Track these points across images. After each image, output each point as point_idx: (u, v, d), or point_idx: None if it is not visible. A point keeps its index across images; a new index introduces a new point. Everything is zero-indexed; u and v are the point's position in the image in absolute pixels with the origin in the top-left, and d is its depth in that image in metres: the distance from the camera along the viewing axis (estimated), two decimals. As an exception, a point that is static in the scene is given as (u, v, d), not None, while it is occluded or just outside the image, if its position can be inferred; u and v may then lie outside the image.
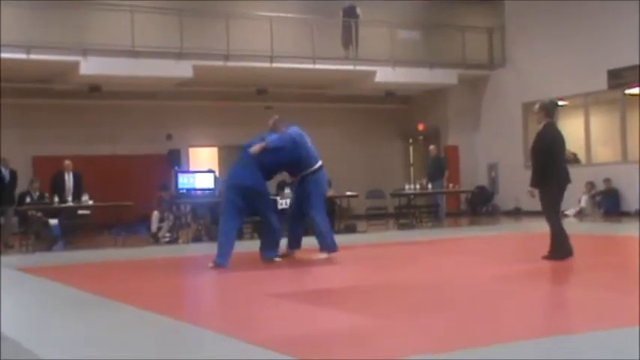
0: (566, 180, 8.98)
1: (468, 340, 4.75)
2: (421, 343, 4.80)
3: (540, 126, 9.11)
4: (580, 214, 19.07)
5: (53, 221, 15.42)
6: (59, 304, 7.22)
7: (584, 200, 19.35)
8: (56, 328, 5.77)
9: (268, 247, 10.21)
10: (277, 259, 10.10)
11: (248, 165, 10.06)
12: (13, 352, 4.80)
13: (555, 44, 20.83)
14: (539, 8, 21.34)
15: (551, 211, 9.02)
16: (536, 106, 9.30)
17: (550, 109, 9.13)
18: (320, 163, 10.49)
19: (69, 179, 16.06)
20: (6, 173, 15.57)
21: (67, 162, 16.30)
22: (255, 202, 10.09)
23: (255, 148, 10.03)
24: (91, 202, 15.60)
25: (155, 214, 15.93)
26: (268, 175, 10.40)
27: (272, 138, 10.27)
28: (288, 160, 10.29)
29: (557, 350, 4.45)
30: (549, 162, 8.83)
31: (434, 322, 5.53)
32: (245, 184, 9.95)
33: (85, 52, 17.81)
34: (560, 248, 8.85)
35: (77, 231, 16.53)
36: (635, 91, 18.64)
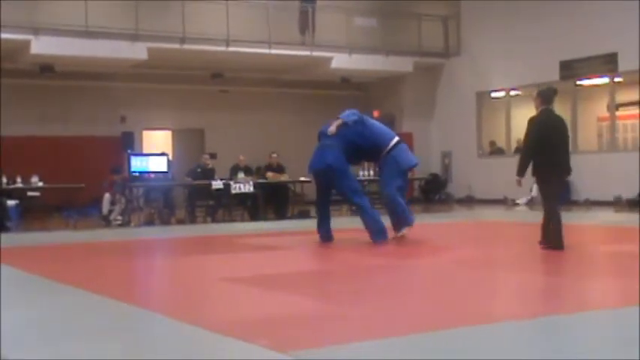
0: (565, 170, 8.64)
1: (418, 324, 4.80)
2: (372, 327, 4.83)
3: (536, 113, 8.72)
4: (531, 203, 19.31)
5: (10, 202, 15.20)
6: (6, 287, 7.13)
7: (534, 189, 19.57)
8: (4, 312, 5.70)
9: (371, 232, 9.93)
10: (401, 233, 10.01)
11: (327, 147, 10.00)
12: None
13: (510, 34, 21.04)
14: (495, -2, 21.54)
15: (551, 201, 8.61)
16: (535, 93, 9.01)
17: (548, 96, 8.76)
18: (395, 139, 10.29)
19: None
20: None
21: None
22: (335, 183, 10.03)
23: (332, 128, 9.87)
24: (41, 184, 15.42)
25: (106, 196, 15.78)
26: (351, 158, 10.27)
27: (344, 113, 10.21)
28: (364, 142, 10.14)
29: (500, 335, 4.52)
30: (546, 150, 8.42)
31: (385, 306, 5.57)
32: (319, 167, 9.99)
33: (36, 31, 17.53)
34: (554, 238, 8.49)
35: (27, 213, 16.32)
36: (586, 82, 18.92)
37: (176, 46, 19.12)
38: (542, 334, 4.57)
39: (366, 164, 17.18)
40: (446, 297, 6.02)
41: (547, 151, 8.41)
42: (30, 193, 16.12)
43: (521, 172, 8.61)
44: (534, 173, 8.60)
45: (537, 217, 16.03)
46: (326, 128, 10.19)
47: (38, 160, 18.18)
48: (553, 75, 19.65)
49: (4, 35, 17.10)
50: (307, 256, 9.45)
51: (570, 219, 14.33)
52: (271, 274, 7.58)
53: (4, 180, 15.04)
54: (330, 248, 9.72)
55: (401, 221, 10.09)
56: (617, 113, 19.60)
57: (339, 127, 9.91)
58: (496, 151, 21.99)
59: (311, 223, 10.66)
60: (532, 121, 8.59)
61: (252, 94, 22.93)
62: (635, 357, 3.81)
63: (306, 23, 20.79)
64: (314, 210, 17.77)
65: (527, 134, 8.58)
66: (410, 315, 5.25)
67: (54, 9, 18.14)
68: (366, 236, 10.03)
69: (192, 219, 15.98)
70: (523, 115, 21.71)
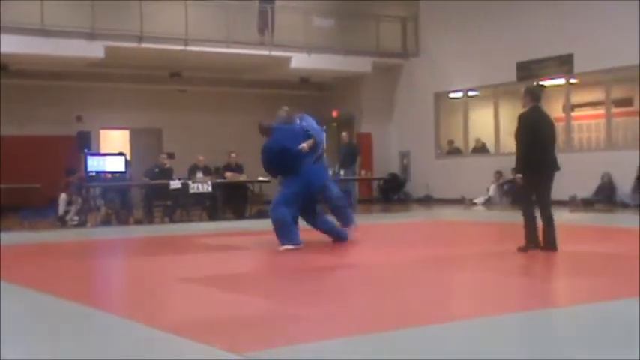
0: (553, 167, 8.43)
1: (370, 324, 4.82)
2: (328, 327, 4.84)
3: (525, 110, 8.51)
4: (488, 203, 19.50)
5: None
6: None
7: (492, 189, 19.80)
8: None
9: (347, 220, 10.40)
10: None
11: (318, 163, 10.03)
12: None
13: (468, 36, 21.21)
14: (453, -1, 21.70)
15: (543, 201, 8.43)
16: (523, 90, 8.79)
17: (536, 93, 8.63)
18: None
19: None
20: None
21: None
22: (326, 194, 10.23)
23: (305, 146, 9.66)
24: (-4, 184, 15.21)
25: (63, 196, 15.60)
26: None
27: (317, 132, 10.10)
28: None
29: (455, 334, 4.56)
30: (534, 147, 8.28)
31: (339, 306, 5.59)
32: (321, 184, 10.02)
33: (-9, 29, 17.27)
34: (549, 240, 8.35)
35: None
36: (545, 83, 19.10)
37: (134, 44, 18.95)
38: (497, 332, 4.61)
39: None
40: (401, 296, 6.05)
41: (538, 149, 8.32)
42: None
43: (520, 169, 8.41)
44: (522, 171, 8.41)
45: (494, 216, 16.25)
46: (278, 124, 10.14)
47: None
48: (510, 76, 19.86)
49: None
50: (265, 256, 9.44)
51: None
52: (229, 275, 7.56)
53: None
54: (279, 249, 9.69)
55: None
56: (573, 114, 19.85)
57: (310, 147, 9.80)
58: (454, 150, 22.16)
59: (269, 223, 10.63)
60: (523, 118, 8.44)
61: (211, 93, 22.84)
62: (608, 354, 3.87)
63: (265, 23, 20.75)
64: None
65: (520, 131, 8.39)
66: (365, 314, 5.27)
67: (10, 7, 17.88)
68: (323, 236, 10.06)
69: (149, 219, 15.88)
70: (480, 116, 22.03)
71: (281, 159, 9.71)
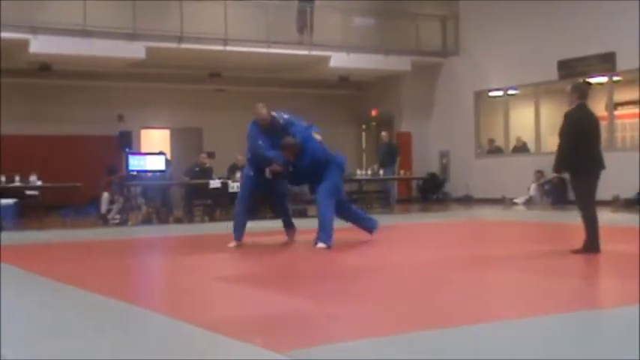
0: (599, 166, 8.19)
1: (412, 324, 4.80)
2: (366, 327, 4.83)
3: (572, 107, 8.29)
4: (529, 203, 19.32)
5: (7, 201, 15.20)
6: (5, 284, 7.13)
7: (533, 189, 19.62)
8: (3, 309, 5.71)
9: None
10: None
11: None
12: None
13: (508, 34, 21.04)
14: (493, -2, 21.54)
15: (584, 200, 8.25)
16: (569, 87, 8.53)
17: (583, 90, 8.44)
18: None
19: None
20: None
21: None
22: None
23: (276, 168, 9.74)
24: (39, 183, 15.43)
25: (105, 195, 15.80)
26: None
27: (301, 130, 9.96)
28: None
29: (501, 335, 4.52)
30: (581, 146, 8.07)
31: (380, 306, 5.57)
32: None
33: (34, 30, 17.52)
34: (591, 242, 8.13)
35: (25, 212, 16.33)
36: (593, 80, 18.86)
37: (174, 45, 19.11)
38: (539, 333, 4.56)
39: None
40: (440, 296, 6.02)
41: (586, 147, 8.11)
42: (28, 192, 16.12)
43: (560, 167, 8.30)
44: (564, 170, 8.32)
45: (535, 216, 16.10)
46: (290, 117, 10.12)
47: (37, 159, 18.17)
48: (551, 74, 19.66)
49: (4, 34, 17.11)
50: (302, 255, 9.44)
51: (569, 218, 14.37)
52: (266, 273, 7.57)
53: (3, 179, 15.03)
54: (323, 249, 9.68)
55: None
56: (616, 112, 19.60)
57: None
58: (494, 149, 22.00)
59: (309, 222, 10.63)
60: (569, 116, 8.24)
61: (250, 93, 22.88)
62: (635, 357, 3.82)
63: (304, 22, 20.78)
64: (310, 209, 17.80)
65: (565, 129, 8.18)
66: (403, 314, 5.25)
67: (53, 8, 18.12)
68: (359, 236, 10.04)
69: (189, 218, 15.98)
70: (521, 115, 21.84)
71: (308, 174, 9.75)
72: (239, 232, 9.84)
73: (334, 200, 9.68)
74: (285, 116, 10.16)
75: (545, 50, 19.78)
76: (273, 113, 10.12)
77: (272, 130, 9.81)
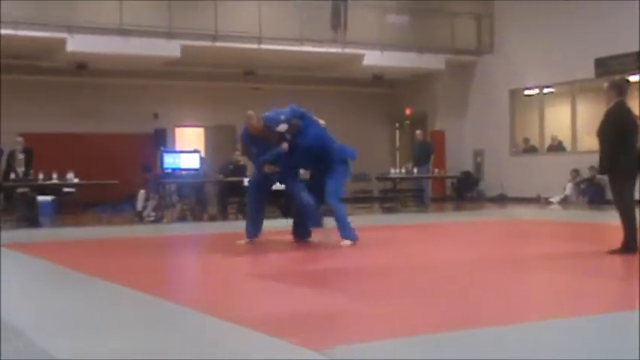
0: (637, 165, 7.96)
1: (446, 323, 4.79)
2: (399, 325, 4.83)
3: (610, 105, 8.09)
4: (565, 202, 19.16)
5: (44, 198, 15.41)
6: (39, 279, 7.23)
7: (568, 188, 19.45)
8: (39, 305, 5.79)
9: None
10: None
11: None
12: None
13: (543, 31, 20.87)
14: (529, -5, 21.37)
15: (623, 200, 8.05)
16: (606, 84, 8.34)
17: (622, 87, 8.21)
18: None
19: (19, 156, 15.87)
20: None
21: (20, 139, 16.13)
22: None
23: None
24: (76, 180, 15.60)
25: (141, 193, 15.92)
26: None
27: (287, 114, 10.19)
28: None
29: (530, 336, 4.50)
30: (619, 145, 7.89)
31: (413, 305, 5.57)
32: None
33: (71, 29, 17.71)
34: (630, 242, 7.97)
35: (62, 208, 16.53)
36: (634, 78, 18.62)
37: (209, 43, 19.22)
38: (575, 334, 4.54)
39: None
40: (473, 296, 6.00)
41: (626, 146, 7.92)
42: (65, 189, 16.32)
43: (606, 168, 8.05)
44: (610, 169, 8.06)
45: (571, 216, 15.96)
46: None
47: (74, 156, 18.35)
48: (588, 72, 19.46)
49: (42, 34, 17.34)
50: (336, 253, 9.45)
51: (605, 218, 14.26)
52: (300, 271, 7.60)
53: (41, 176, 15.23)
54: (356, 246, 9.69)
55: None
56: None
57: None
58: (529, 148, 21.84)
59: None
60: (610, 114, 8.06)
61: (284, 91, 22.94)
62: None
63: (338, 20, 20.79)
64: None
65: (607, 128, 8.01)
66: (437, 314, 5.24)
67: (89, 8, 18.31)
68: (393, 234, 10.03)
69: (224, 215, 16.06)
70: (557, 113, 21.65)
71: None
72: (248, 231, 9.97)
73: (340, 198, 9.95)
74: (295, 109, 10.22)
75: (582, 48, 19.58)
76: (266, 114, 10.14)
77: (266, 136, 9.84)
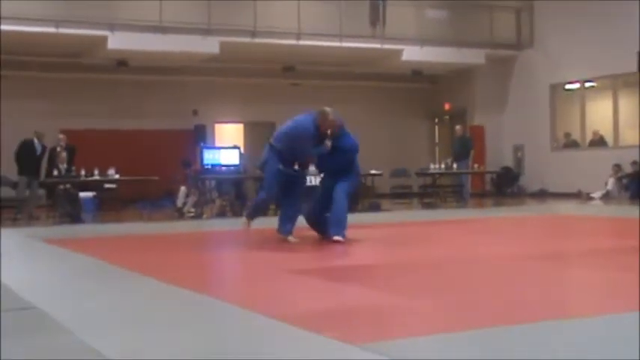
0: None
1: (486, 320, 4.76)
2: (442, 321, 4.81)
3: None
4: (606, 197, 18.94)
5: (86, 194, 15.62)
6: (83, 275, 7.31)
7: (610, 183, 19.21)
8: (80, 299, 5.85)
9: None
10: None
11: None
12: (41, 322, 4.88)
13: (584, 25, 20.61)
14: (570, -12, 21.13)
15: None
16: None
17: None
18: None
19: (61, 152, 16.12)
20: (39, 146, 15.80)
21: (61, 136, 16.40)
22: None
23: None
24: (117, 176, 15.77)
25: (182, 189, 16.04)
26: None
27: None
28: None
29: (568, 333, 4.45)
30: None
31: (455, 300, 5.54)
32: None
33: (112, 27, 17.90)
34: None
35: (104, 205, 16.72)
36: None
37: (247, 40, 19.30)
38: (617, 331, 4.48)
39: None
40: (514, 292, 5.95)
41: None
42: (107, 186, 16.50)
43: None
44: None
45: (613, 211, 15.76)
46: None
47: (114, 153, 18.56)
48: (631, 66, 19.18)
49: (83, 31, 17.55)
50: (374, 248, 9.45)
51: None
52: (338, 266, 7.59)
53: (83, 172, 15.43)
54: (393, 242, 9.68)
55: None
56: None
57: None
58: (571, 143, 21.62)
59: (382, 216, 10.63)
60: None
61: (323, 87, 22.98)
62: None
63: (377, 16, 20.75)
64: (383, 203, 17.78)
65: None
66: (476, 309, 5.21)
67: (129, 5, 18.49)
68: (431, 230, 9.98)
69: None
70: (598, 108, 21.39)
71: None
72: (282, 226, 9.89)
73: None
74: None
75: (624, 41, 19.31)
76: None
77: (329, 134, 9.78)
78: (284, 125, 10.00)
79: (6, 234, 11.58)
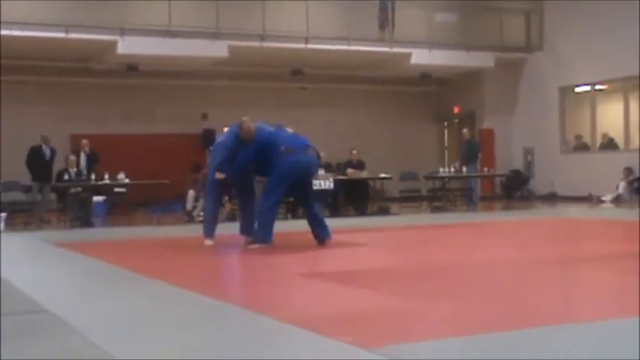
0: None
1: (496, 324, 4.75)
2: (450, 325, 4.80)
3: None
4: (617, 201, 18.86)
5: (97, 198, 15.66)
6: (94, 279, 7.32)
7: (621, 186, 19.14)
8: (91, 302, 5.87)
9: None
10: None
11: None
12: (53, 325, 4.89)
13: (594, 27, 20.55)
14: (579, -9, 21.08)
15: None
16: None
17: None
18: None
19: (84, 158, 16.29)
20: (47, 151, 15.87)
21: (85, 141, 16.55)
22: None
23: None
24: (127, 180, 15.80)
25: (191, 192, 16.05)
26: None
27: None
28: None
29: (578, 337, 4.43)
30: None
31: (464, 305, 5.52)
32: None
33: (122, 31, 17.94)
34: None
35: (114, 209, 16.76)
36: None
37: (256, 43, 19.31)
38: (628, 335, 4.46)
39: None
40: (526, 296, 5.93)
41: None
42: (117, 190, 16.54)
43: None
44: None
45: (624, 215, 15.70)
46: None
47: (124, 157, 18.58)
48: (640, 69, 19.15)
49: (93, 36, 17.60)
50: (385, 252, 9.43)
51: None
52: (350, 271, 7.59)
53: (93, 177, 15.47)
54: (407, 245, 9.67)
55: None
56: None
57: None
58: (581, 146, 21.55)
59: (391, 220, 10.61)
60: None
61: (332, 90, 22.99)
62: None
63: (385, 19, 20.74)
64: (392, 207, 17.76)
65: None
66: (487, 313, 5.19)
67: (138, 10, 18.54)
68: (442, 233, 9.96)
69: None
70: (609, 111, 21.32)
71: None
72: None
73: (276, 197, 9.90)
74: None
75: (634, 43, 19.25)
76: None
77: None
78: None
79: (17, 238, 11.62)
